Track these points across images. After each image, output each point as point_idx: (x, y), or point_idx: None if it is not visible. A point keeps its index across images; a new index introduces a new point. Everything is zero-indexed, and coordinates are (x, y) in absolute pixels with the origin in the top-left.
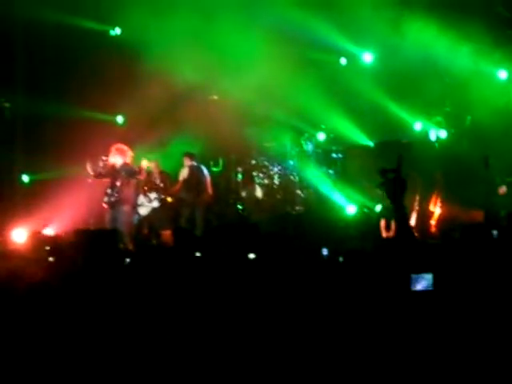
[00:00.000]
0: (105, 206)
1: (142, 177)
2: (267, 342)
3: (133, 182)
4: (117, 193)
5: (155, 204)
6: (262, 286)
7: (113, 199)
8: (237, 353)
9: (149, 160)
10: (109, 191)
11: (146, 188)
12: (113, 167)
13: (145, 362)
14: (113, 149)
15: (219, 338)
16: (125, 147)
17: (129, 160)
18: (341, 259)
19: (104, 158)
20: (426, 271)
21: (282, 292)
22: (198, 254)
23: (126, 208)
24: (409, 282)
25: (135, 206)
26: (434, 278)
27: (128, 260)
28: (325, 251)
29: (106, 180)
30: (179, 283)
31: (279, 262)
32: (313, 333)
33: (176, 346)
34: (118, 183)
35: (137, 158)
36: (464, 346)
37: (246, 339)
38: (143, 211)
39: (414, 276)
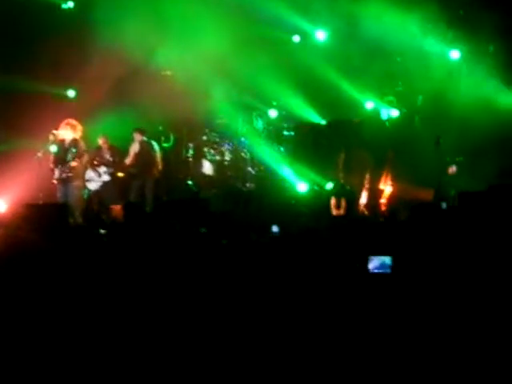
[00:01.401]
0: (55, 182)
1: (83, 159)
2: (219, 317)
3: (80, 159)
4: (67, 169)
5: (105, 178)
6: (213, 261)
7: (64, 175)
8: (191, 334)
9: (98, 135)
10: (59, 166)
11: (95, 163)
12: (62, 141)
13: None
14: (63, 123)
15: (172, 318)
16: (75, 122)
17: (78, 135)
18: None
19: (54, 131)
20: (381, 252)
21: (233, 269)
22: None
23: (76, 183)
24: (366, 263)
25: (84, 180)
26: (392, 261)
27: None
28: (275, 228)
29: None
30: (130, 259)
31: (230, 239)
32: (266, 313)
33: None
34: (68, 159)
35: (87, 133)
36: (422, 327)
37: (196, 315)
38: (93, 186)
39: (371, 257)
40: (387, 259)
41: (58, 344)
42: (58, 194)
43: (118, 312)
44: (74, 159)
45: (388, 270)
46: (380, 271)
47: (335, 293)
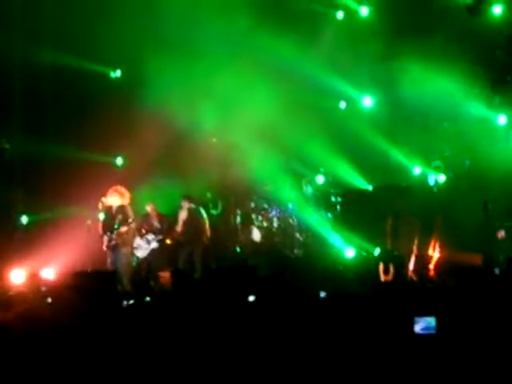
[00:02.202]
0: (105, 249)
1: (131, 225)
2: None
3: (128, 225)
4: (115, 236)
5: (154, 245)
6: (261, 328)
7: (112, 242)
8: None
9: (146, 202)
10: (108, 234)
11: (143, 230)
12: (110, 208)
13: None
14: (111, 190)
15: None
16: (123, 189)
17: (126, 202)
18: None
19: (103, 199)
20: (427, 314)
21: (281, 334)
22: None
23: (124, 250)
24: (411, 325)
25: (132, 247)
26: (437, 322)
27: (126, 302)
28: (323, 294)
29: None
30: (179, 327)
31: (278, 305)
32: (313, 376)
33: None
34: (116, 226)
35: (135, 200)
36: None
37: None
38: (141, 253)
39: (416, 319)
40: (432, 320)
41: None
42: (108, 261)
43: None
44: (121, 225)
45: (433, 331)
46: (425, 332)
47: (382, 354)
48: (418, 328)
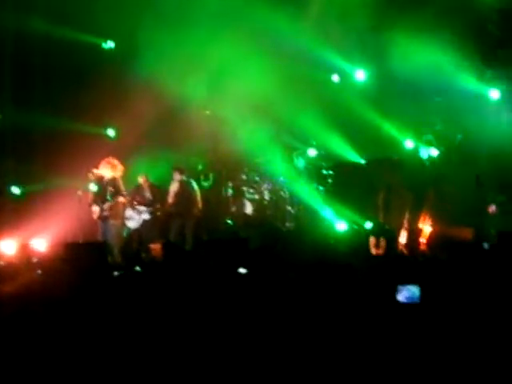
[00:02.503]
0: (96, 219)
1: (124, 199)
2: (258, 358)
3: (119, 197)
4: (105, 208)
5: (145, 216)
6: (251, 300)
7: (104, 213)
8: (226, 369)
9: (138, 173)
10: (99, 205)
11: (134, 202)
12: (101, 179)
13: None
14: (104, 162)
15: (209, 354)
16: (116, 162)
17: (118, 174)
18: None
19: (94, 170)
20: (412, 283)
21: (273, 307)
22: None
23: (114, 222)
24: (394, 293)
25: (123, 218)
26: (421, 292)
27: (116, 273)
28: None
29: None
30: (168, 298)
31: (269, 277)
32: (300, 347)
33: (164, 362)
34: (107, 198)
35: (128, 171)
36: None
37: (236, 356)
38: (132, 224)
39: (399, 287)
40: (416, 289)
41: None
42: (100, 232)
43: (151, 353)
44: (112, 198)
45: (416, 301)
46: (409, 301)
47: (365, 322)
48: (401, 297)
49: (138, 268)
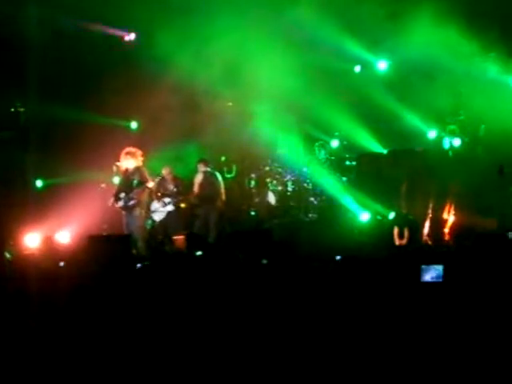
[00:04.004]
0: (119, 208)
1: (150, 185)
2: (277, 345)
3: (143, 186)
4: (130, 198)
5: (170, 208)
6: (275, 291)
7: (129, 204)
8: (246, 357)
9: (162, 165)
10: (122, 195)
11: (159, 194)
12: (126, 171)
13: (153, 366)
14: (123, 153)
15: (229, 343)
16: (134, 149)
17: (139, 162)
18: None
19: (117, 163)
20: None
21: (294, 297)
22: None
23: (138, 212)
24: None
25: (148, 210)
26: (445, 272)
27: (139, 265)
28: (338, 258)
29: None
30: (191, 289)
31: (292, 268)
32: (321, 335)
33: (185, 350)
34: (133, 186)
35: (150, 164)
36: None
37: (257, 344)
38: (158, 217)
39: (423, 267)
40: (439, 267)
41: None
42: (124, 223)
43: (176, 344)
44: (138, 186)
45: (440, 279)
46: (432, 280)
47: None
48: (425, 276)
49: (161, 260)
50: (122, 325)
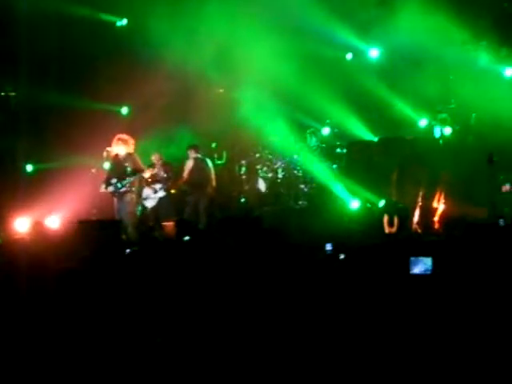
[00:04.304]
0: (110, 193)
1: (146, 174)
2: (267, 336)
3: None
4: (123, 184)
5: (161, 194)
6: (264, 278)
7: (121, 190)
8: (235, 348)
9: (152, 151)
10: (114, 181)
11: (149, 180)
12: (116, 156)
13: (143, 357)
14: (115, 139)
15: (218, 333)
16: (126, 136)
17: (131, 149)
18: (342, 256)
19: (108, 148)
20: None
21: (283, 284)
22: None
23: (129, 198)
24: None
25: (140, 196)
26: (434, 264)
27: (128, 250)
28: (328, 246)
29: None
30: (180, 275)
31: (281, 256)
32: (311, 325)
33: (174, 340)
34: (127, 174)
35: (141, 150)
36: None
37: (246, 334)
38: (150, 203)
39: (412, 259)
40: (427, 260)
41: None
42: (115, 209)
43: (166, 328)
44: (132, 174)
45: (428, 271)
46: (421, 272)
47: (380, 296)
48: (414, 268)
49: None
50: (111, 310)
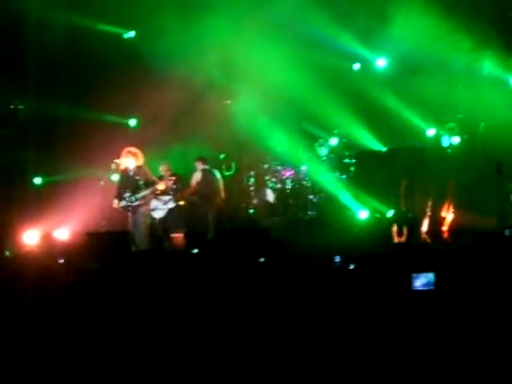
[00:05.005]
0: (122, 209)
1: (161, 186)
2: (273, 346)
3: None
4: (137, 198)
5: (170, 205)
6: (271, 290)
7: (135, 204)
8: (243, 358)
9: (160, 163)
10: (127, 195)
11: (157, 192)
12: (126, 170)
13: (149, 362)
14: (124, 152)
15: (225, 341)
16: (135, 150)
17: (141, 162)
18: (352, 266)
19: (116, 161)
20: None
21: (291, 297)
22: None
23: (143, 210)
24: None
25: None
26: (437, 279)
27: (140, 262)
28: (337, 258)
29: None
30: (188, 286)
31: (290, 268)
32: (315, 336)
33: (182, 348)
34: (140, 187)
35: (149, 161)
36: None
37: (253, 344)
38: (158, 214)
39: (414, 275)
40: (430, 275)
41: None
42: (130, 222)
43: (173, 340)
44: (146, 187)
45: (431, 287)
46: (424, 288)
47: (381, 312)
48: (416, 284)
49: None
50: (120, 321)
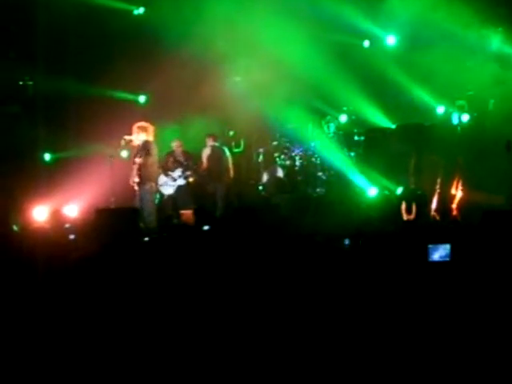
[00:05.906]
0: (132, 184)
1: (150, 158)
2: (282, 321)
3: (151, 160)
4: (139, 171)
5: (180, 182)
6: (281, 265)
7: (137, 178)
8: (251, 340)
9: (171, 139)
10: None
11: (169, 165)
12: (136, 147)
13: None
14: (134, 127)
15: (233, 320)
16: (146, 124)
17: (151, 136)
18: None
19: (126, 137)
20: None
21: (300, 272)
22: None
23: (146, 186)
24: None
25: (156, 184)
26: (452, 251)
27: (146, 239)
28: (347, 241)
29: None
30: (197, 263)
31: (299, 244)
32: (328, 312)
33: (190, 325)
34: (139, 162)
35: (159, 138)
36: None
37: (262, 325)
38: (168, 191)
39: (431, 246)
40: (446, 246)
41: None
42: (136, 198)
43: (183, 315)
44: (140, 158)
45: (447, 258)
46: (440, 259)
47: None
48: (432, 255)
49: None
50: (128, 297)
